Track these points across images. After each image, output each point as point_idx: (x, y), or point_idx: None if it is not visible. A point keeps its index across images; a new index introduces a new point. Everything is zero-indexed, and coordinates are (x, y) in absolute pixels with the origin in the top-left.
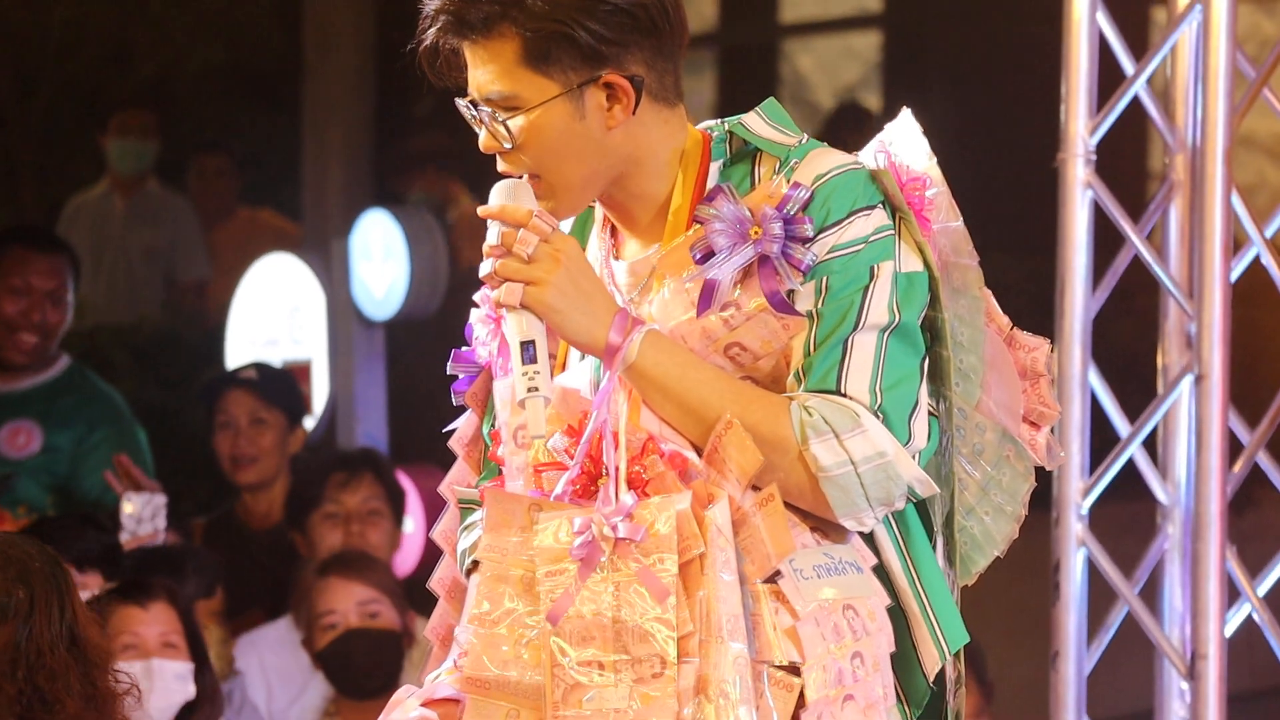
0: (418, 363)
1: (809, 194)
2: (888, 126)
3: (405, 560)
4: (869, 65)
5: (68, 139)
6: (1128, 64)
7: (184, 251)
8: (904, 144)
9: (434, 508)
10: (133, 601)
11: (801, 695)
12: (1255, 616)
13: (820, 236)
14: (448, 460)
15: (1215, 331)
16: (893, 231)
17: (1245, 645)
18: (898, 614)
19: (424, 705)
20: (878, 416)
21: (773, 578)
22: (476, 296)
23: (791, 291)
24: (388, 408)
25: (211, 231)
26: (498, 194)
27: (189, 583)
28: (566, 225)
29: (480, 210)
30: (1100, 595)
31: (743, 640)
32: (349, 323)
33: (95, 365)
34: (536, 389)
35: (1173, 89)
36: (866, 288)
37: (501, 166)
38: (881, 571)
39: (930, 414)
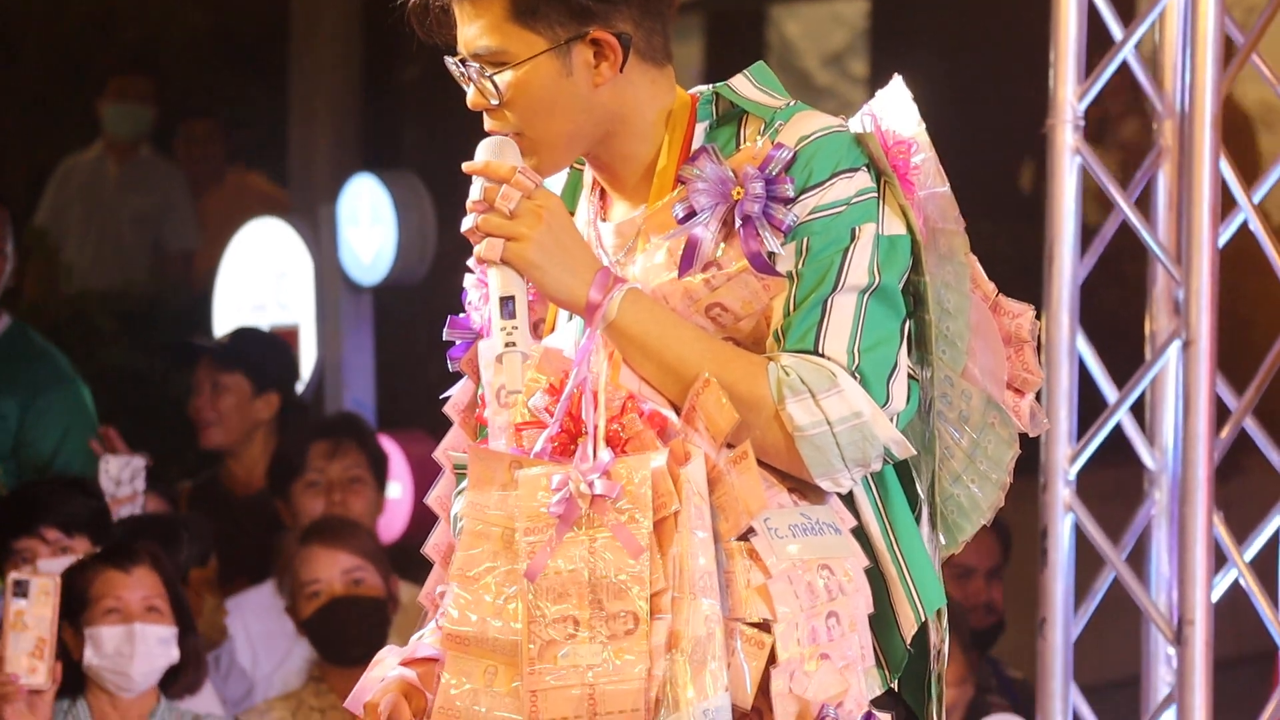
0: (405, 328)
1: (791, 155)
2: (879, 93)
3: (392, 525)
4: (856, 31)
5: (53, 105)
6: (1116, 29)
7: (174, 218)
8: (894, 110)
9: (422, 473)
10: (116, 566)
11: (773, 653)
12: (1242, 582)
13: (802, 197)
14: (436, 425)
15: (1203, 297)
16: (876, 194)
17: (1231, 611)
18: (876, 576)
19: (404, 664)
20: (855, 377)
21: (746, 535)
22: (471, 262)
23: (772, 253)
24: (375, 373)
25: (200, 198)
26: (483, 150)
27: (182, 550)
28: (558, 187)
29: (465, 166)
30: (1087, 561)
31: (715, 597)
32: (336, 288)
33: (81, 330)
34: (514, 344)
35: (1161, 55)
36: (847, 249)
37: (488, 125)
38: (860, 533)
39: (911, 378)
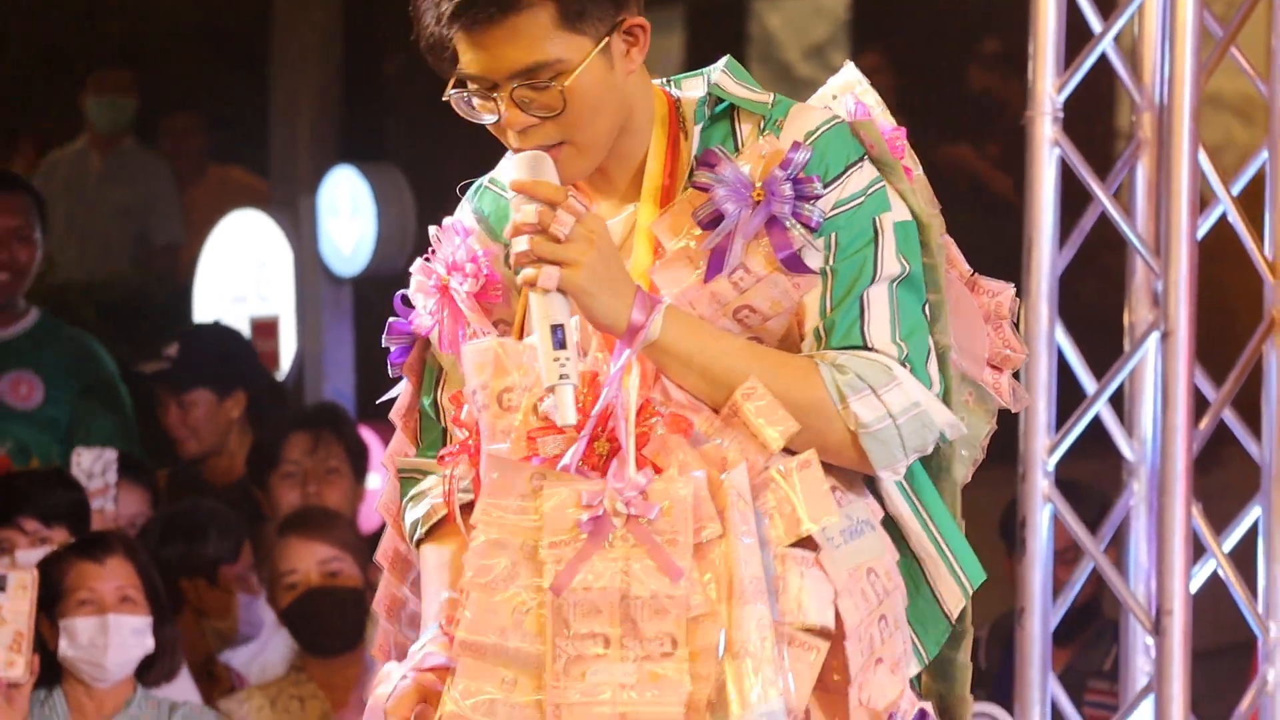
0: (385, 319)
1: (809, 153)
2: (830, 80)
3: (373, 516)
4: (838, 23)
5: (38, 97)
6: (1095, 22)
7: (158, 210)
8: (869, 97)
9: None
10: (88, 557)
11: (844, 667)
12: (1220, 573)
13: (824, 193)
14: None
15: (1181, 289)
16: (883, 183)
17: (1210, 601)
18: (910, 558)
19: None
20: (905, 366)
21: (799, 542)
22: (414, 267)
23: (802, 250)
24: (355, 364)
25: (184, 190)
26: (520, 167)
27: (209, 546)
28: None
29: (511, 184)
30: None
31: (765, 602)
32: (316, 279)
33: (65, 322)
34: (567, 375)
35: (1140, 47)
36: (874, 241)
37: (520, 141)
38: (889, 522)
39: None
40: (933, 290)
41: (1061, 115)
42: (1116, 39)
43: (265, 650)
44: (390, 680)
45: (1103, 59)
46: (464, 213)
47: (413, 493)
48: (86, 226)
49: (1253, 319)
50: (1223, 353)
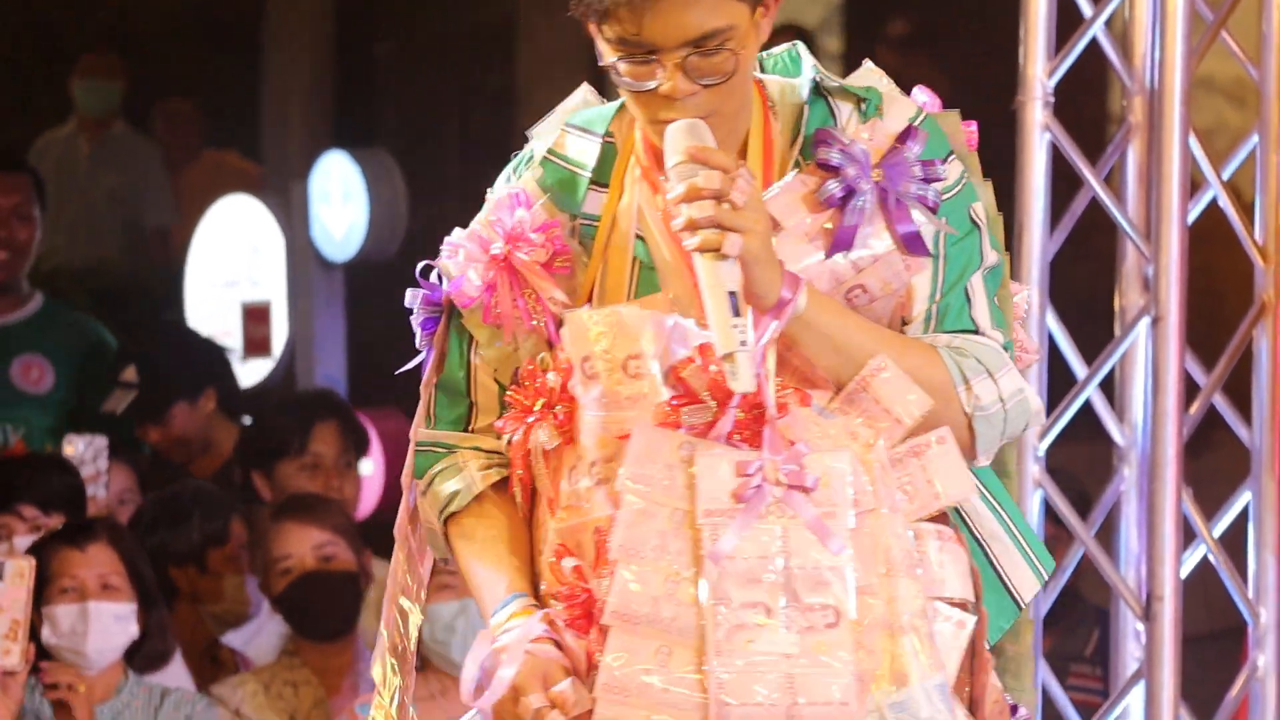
0: (377, 305)
1: (925, 136)
2: (852, 76)
3: (365, 501)
4: (830, 7)
5: (29, 82)
6: (1086, 6)
7: (149, 195)
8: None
9: (394, 449)
10: (71, 544)
11: (983, 635)
12: (1210, 558)
13: (943, 177)
14: (406, 402)
15: (1172, 273)
16: (967, 171)
17: (1201, 587)
18: (975, 546)
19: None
20: (1007, 352)
21: (934, 517)
22: (455, 237)
23: (921, 231)
24: (347, 349)
25: (176, 175)
26: (683, 135)
27: (194, 531)
28: (590, 158)
29: (688, 150)
30: (1056, 536)
31: (914, 576)
32: (308, 264)
33: (68, 306)
34: (745, 343)
35: (1131, 31)
36: (977, 228)
37: (671, 112)
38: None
39: None
40: (1003, 285)
41: (1052, 100)
42: (1107, 23)
43: (261, 633)
44: (509, 652)
45: (1093, 43)
46: (524, 182)
47: (441, 466)
48: (76, 211)
49: (1243, 303)
50: (1213, 337)
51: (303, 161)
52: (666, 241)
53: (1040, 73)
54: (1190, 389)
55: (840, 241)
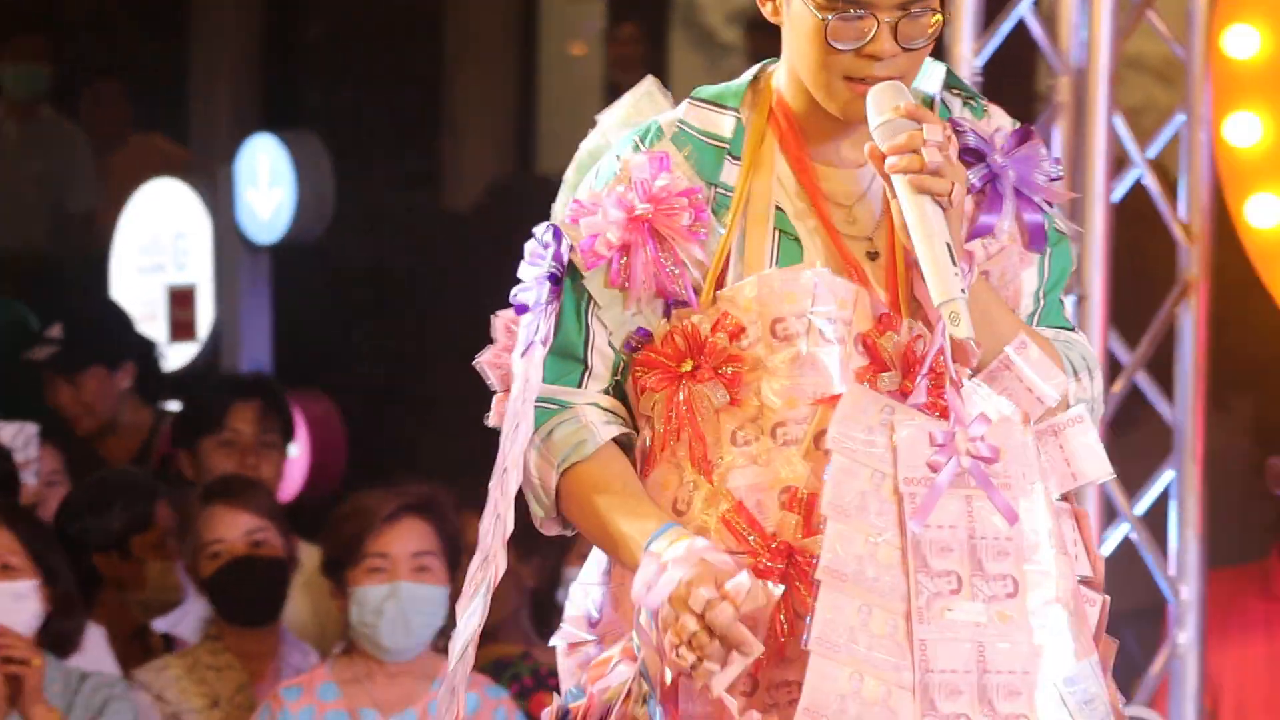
0: (303, 288)
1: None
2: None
3: (289, 485)
4: None
5: None
6: None
7: (75, 179)
8: None
9: (320, 432)
10: None
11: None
12: (1133, 536)
13: (1060, 175)
14: (332, 384)
15: (1097, 253)
16: None
17: (1124, 564)
18: None
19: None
20: None
21: (1064, 496)
22: (582, 195)
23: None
24: (273, 333)
25: (104, 158)
26: (890, 94)
27: (114, 517)
28: (727, 133)
29: (905, 107)
30: None
31: (1067, 554)
32: (234, 248)
33: None
34: (965, 290)
35: (1058, 11)
36: (1063, 234)
37: (873, 72)
38: None
39: None
40: None
41: (980, 79)
42: (1035, 3)
43: (189, 616)
44: (682, 562)
45: (1020, 23)
46: (663, 145)
47: (560, 420)
48: (2, 196)
49: (1166, 282)
50: (1137, 316)
51: (229, 144)
52: (809, 212)
53: (967, 52)
54: (1114, 367)
55: (982, 228)
